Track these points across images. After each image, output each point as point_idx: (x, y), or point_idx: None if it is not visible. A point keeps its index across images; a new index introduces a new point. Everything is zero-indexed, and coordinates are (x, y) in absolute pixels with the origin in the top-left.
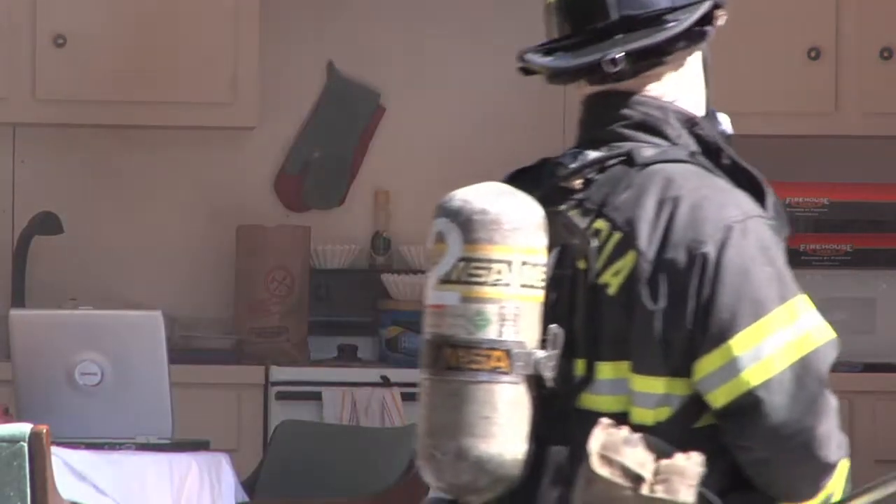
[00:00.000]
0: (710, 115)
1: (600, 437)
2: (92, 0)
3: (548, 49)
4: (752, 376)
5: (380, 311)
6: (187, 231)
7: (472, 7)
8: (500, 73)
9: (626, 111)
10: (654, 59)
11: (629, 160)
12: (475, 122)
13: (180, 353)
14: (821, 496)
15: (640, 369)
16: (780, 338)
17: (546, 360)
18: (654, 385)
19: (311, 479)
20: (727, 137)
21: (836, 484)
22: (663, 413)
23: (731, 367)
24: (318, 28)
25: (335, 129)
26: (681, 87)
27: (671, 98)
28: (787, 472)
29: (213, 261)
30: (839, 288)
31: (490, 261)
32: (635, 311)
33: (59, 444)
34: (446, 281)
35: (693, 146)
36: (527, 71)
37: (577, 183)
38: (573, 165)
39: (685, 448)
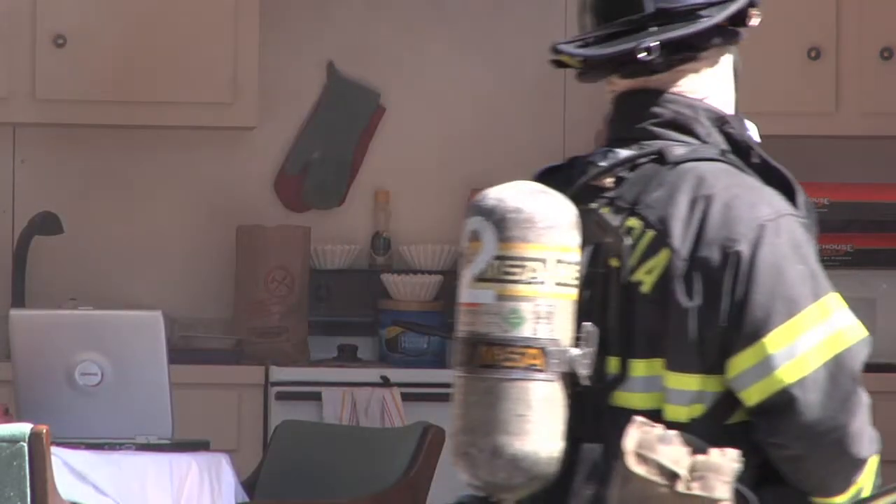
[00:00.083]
0: (739, 118)
1: (635, 435)
2: (92, 0)
3: (581, 43)
4: (787, 374)
5: (380, 311)
6: (187, 231)
7: (473, 7)
8: (501, 73)
9: (656, 109)
10: (688, 53)
11: (660, 158)
12: (475, 122)
13: (180, 353)
14: (851, 490)
15: (674, 366)
16: (813, 336)
17: (581, 357)
18: (688, 382)
19: (311, 479)
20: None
21: (867, 479)
22: (697, 410)
23: (766, 365)
24: (318, 28)
25: (335, 129)
26: (712, 85)
27: (702, 95)
28: (820, 469)
29: (213, 261)
30: (839, 288)
31: (525, 259)
32: (669, 308)
33: (59, 444)
34: (481, 279)
35: (723, 144)
36: (559, 64)
37: (609, 181)
38: (604, 164)
39: (718, 444)
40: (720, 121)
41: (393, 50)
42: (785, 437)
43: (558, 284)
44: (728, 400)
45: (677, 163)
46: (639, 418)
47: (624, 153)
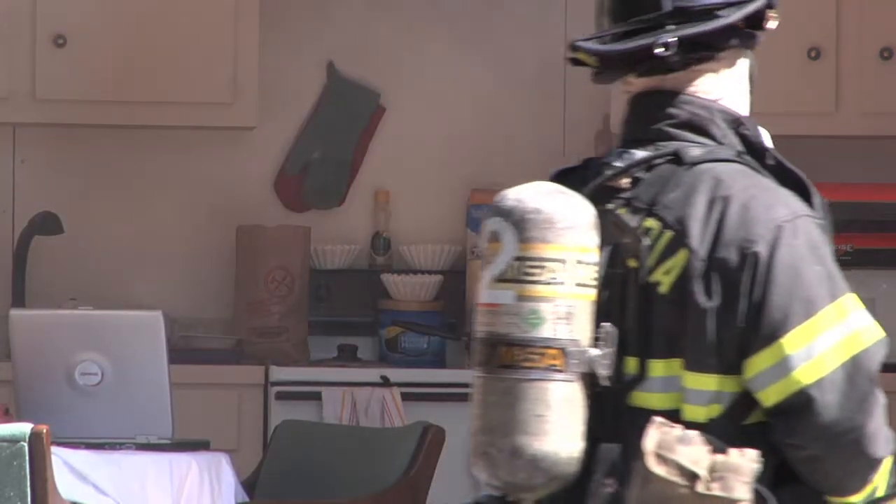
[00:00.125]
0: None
1: (655, 435)
2: (92, 0)
3: (598, 41)
4: (804, 375)
5: (380, 311)
6: (187, 231)
7: (473, 7)
8: (501, 73)
9: (672, 110)
10: (705, 52)
11: (677, 159)
12: (475, 122)
13: (180, 353)
14: (867, 489)
15: (692, 366)
16: (831, 336)
17: (601, 358)
18: (707, 382)
19: (311, 479)
20: None
21: (882, 478)
22: (715, 410)
23: (783, 366)
24: (318, 28)
25: (335, 129)
26: (727, 87)
27: (717, 96)
28: (836, 469)
29: (213, 261)
30: None
31: (544, 259)
32: (688, 308)
33: (59, 444)
34: (501, 280)
35: (738, 146)
36: (575, 61)
37: (625, 182)
38: (620, 164)
39: (735, 445)
40: (735, 122)
41: (393, 50)
42: (802, 437)
43: (578, 285)
44: (745, 400)
45: (694, 163)
46: (658, 419)
47: (640, 154)
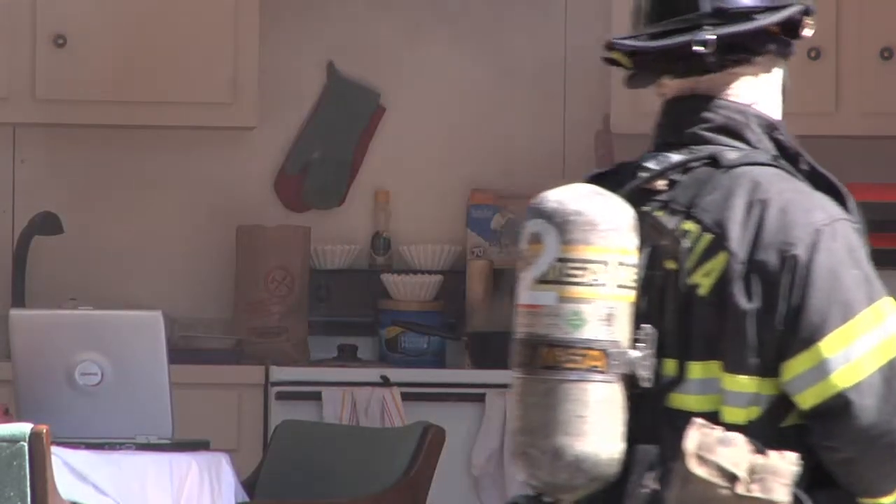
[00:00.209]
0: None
1: (695, 436)
2: (92, 0)
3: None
4: (842, 379)
5: (380, 311)
6: (187, 231)
7: (473, 7)
8: (501, 73)
9: (707, 114)
10: (743, 55)
11: (713, 162)
12: (475, 122)
13: (180, 353)
14: None
15: (732, 368)
16: (868, 340)
17: (641, 359)
18: (746, 384)
19: (311, 479)
20: None
21: None
22: (754, 412)
23: (821, 369)
24: (318, 28)
25: (335, 129)
26: (762, 92)
27: (751, 101)
28: (870, 471)
29: (212, 261)
30: None
31: (586, 261)
32: (727, 311)
33: (59, 444)
34: (543, 281)
35: (773, 150)
36: (610, 61)
37: (661, 184)
38: (656, 167)
39: (771, 447)
40: (770, 127)
41: (393, 50)
42: (839, 440)
43: (619, 287)
44: (782, 403)
45: (731, 167)
46: (699, 420)
47: (676, 157)
